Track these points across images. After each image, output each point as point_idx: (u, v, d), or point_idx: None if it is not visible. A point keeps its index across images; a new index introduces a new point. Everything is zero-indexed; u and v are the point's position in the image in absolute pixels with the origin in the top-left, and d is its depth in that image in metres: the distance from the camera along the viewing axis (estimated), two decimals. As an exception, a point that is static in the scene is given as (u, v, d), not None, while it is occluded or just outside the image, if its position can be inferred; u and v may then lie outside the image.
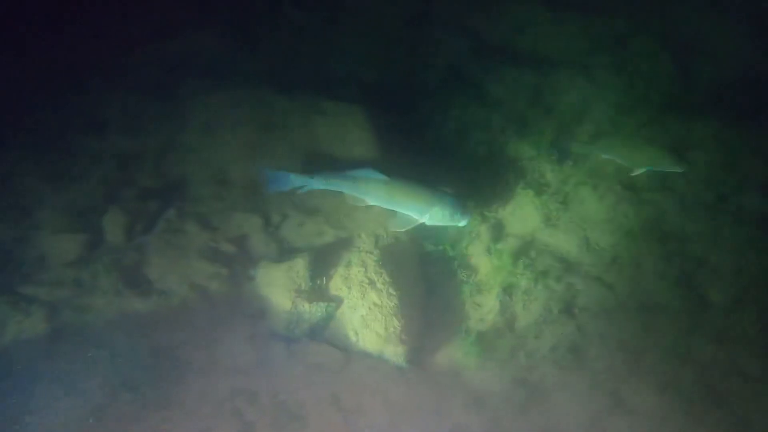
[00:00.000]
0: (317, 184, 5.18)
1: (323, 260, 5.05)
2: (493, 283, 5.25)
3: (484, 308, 5.12)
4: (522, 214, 5.66)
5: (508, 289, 5.19)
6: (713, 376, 4.70)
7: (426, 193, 5.08)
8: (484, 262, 5.38)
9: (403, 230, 5.07)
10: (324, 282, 4.93)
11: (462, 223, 5.10)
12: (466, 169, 5.96)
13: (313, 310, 4.71)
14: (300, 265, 4.84)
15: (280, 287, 4.79)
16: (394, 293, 4.78)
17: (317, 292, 4.85)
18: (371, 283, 4.82)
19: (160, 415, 4.26)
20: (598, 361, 4.77)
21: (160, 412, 4.26)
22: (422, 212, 5.04)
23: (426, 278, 5.32)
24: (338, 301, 4.82)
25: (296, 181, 5.19)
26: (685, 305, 5.03)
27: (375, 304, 4.73)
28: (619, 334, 4.90)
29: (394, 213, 5.16)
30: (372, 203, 5.15)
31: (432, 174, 5.74)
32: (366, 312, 4.72)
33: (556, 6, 7.28)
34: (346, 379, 4.63)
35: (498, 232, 5.60)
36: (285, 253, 5.17)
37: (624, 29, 7.09)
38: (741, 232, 5.39)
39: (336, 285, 4.89)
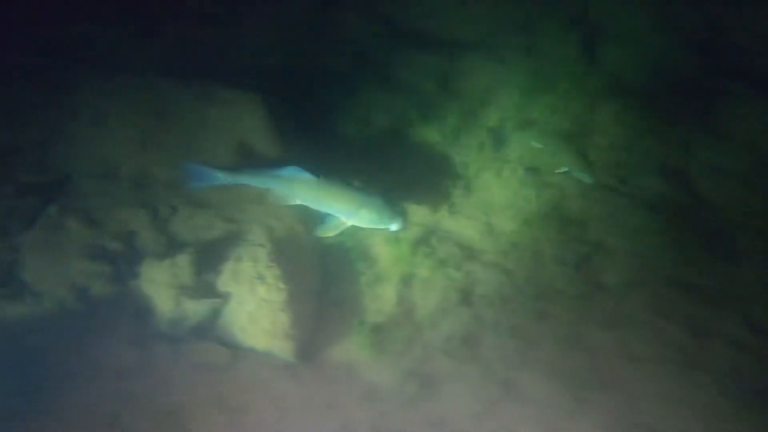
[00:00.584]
0: (242, 180, 5.01)
1: (212, 255, 4.86)
2: (391, 273, 5.14)
3: (381, 299, 5.03)
4: (425, 201, 5.55)
5: (406, 279, 5.08)
6: (603, 360, 4.71)
7: (354, 195, 4.94)
8: (383, 252, 5.26)
9: (330, 234, 4.96)
10: (212, 278, 4.72)
11: (393, 227, 4.89)
12: (369, 156, 5.81)
13: (197, 308, 4.54)
14: (184, 261, 4.65)
15: (163, 285, 4.60)
16: (284, 287, 4.63)
17: (204, 288, 4.67)
18: (260, 277, 4.67)
19: (31, 426, 4.03)
20: (492, 350, 4.73)
21: (29, 422, 4.03)
22: (350, 215, 4.90)
23: (324, 271, 5.16)
24: (226, 298, 4.63)
25: (221, 177, 5.01)
26: (580, 290, 5.03)
27: (263, 299, 4.58)
28: (514, 321, 4.86)
29: (322, 214, 5.05)
30: (299, 202, 5.01)
31: (334, 163, 5.59)
32: (253, 307, 4.55)
33: (466, -11, 7.17)
34: (232, 378, 4.48)
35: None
36: (174, 248, 4.95)
37: (532, 12, 7.02)
38: (637, 215, 5.41)
39: (225, 281, 4.71)
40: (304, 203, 5.07)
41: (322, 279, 5.13)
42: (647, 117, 6.10)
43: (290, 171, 5.01)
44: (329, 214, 5.04)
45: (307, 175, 4.98)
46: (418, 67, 6.73)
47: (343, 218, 4.98)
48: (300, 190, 5.02)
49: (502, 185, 5.71)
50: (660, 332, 4.81)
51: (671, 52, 6.68)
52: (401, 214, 5.08)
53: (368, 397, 4.54)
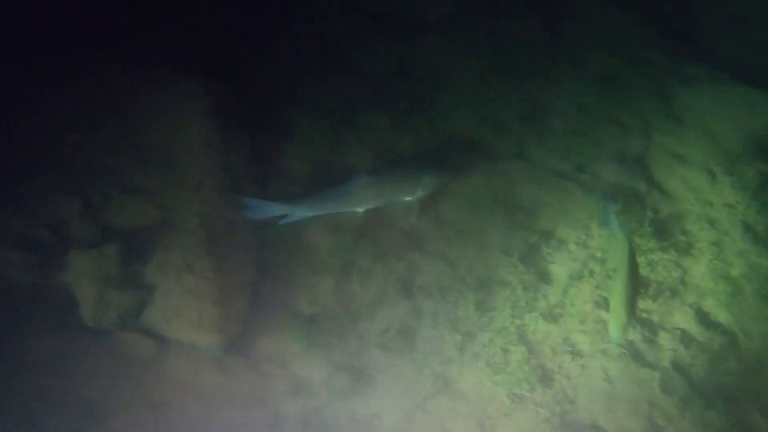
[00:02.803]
0: (302, 212, 4.94)
1: (143, 244, 4.68)
2: (331, 262, 4.96)
3: (318, 289, 4.84)
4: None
5: (345, 268, 4.90)
6: (544, 354, 4.54)
7: (410, 173, 5.02)
8: (323, 240, 5.08)
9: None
10: (140, 268, 4.55)
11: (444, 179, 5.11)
12: (316, 144, 5.62)
13: (122, 299, 4.37)
14: (111, 251, 4.50)
15: (88, 275, 4.46)
16: (213, 278, 4.46)
17: (130, 279, 4.51)
18: (189, 267, 4.50)
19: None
20: (428, 343, 4.56)
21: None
22: (414, 192, 5.01)
23: (260, 261, 4.98)
24: (152, 288, 4.47)
25: (280, 209, 4.93)
26: (525, 281, 4.85)
27: (190, 290, 4.40)
28: (453, 313, 4.68)
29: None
30: (363, 209, 5.01)
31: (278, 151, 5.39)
32: (179, 299, 4.38)
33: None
34: (156, 371, 4.32)
35: (343, 210, 5.32)
36: (105, 237, 4.78)
37: (496, -9, 6.77)
38: (589, 204, 5.20)
39: (152, 271, 4.55)
40: (368, 206, 5.06)
41: (257, 270, 4.93)
42: (606, 101, 5.87)
43: (357, 181, 4.99)
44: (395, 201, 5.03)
45: (363, 177, 4.97)
46: (373, 49, 6.49)
47: (409, 197, 5.04)
48: (362, 196, 5.00)
49: (451, 171, 5.50)
50: (605, 326, 4.62)
51: (634, 32, 6.43)
52: (443, 162, 5.17)
53: (298, 392, 4.41)
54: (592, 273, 4.89)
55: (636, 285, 4.31)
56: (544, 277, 4.88)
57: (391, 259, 5.01)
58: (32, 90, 5.54)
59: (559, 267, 4.91)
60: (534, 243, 5.07)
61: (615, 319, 4.15)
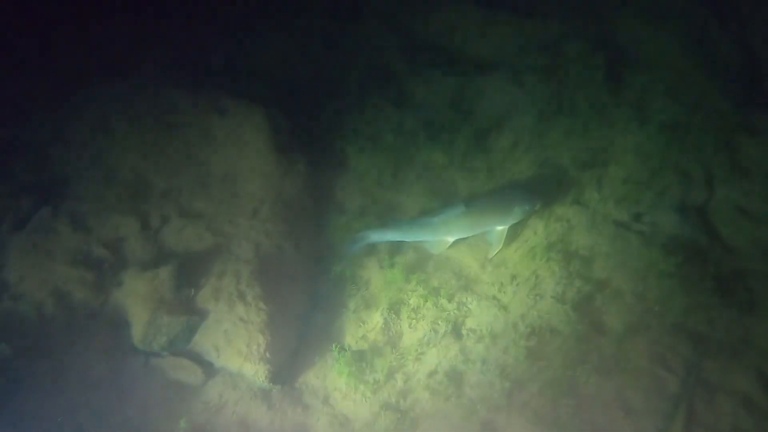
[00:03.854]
0: (394, 236, 5.09)
1: (197, 268, 4.74)
2: (381, 298, 4.93)
3: (367, 325, 4.82)
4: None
5: (395, 306, 4.87)
6: (595, 409, 4.40)
7: (503, 202, 5.07)
8: (376, 276, 5.07)
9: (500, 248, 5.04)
10: (192, 293, 4.60)
11: (538, 206, 5.16)
12: (373, 177, 5.63)
13: (173, 323, 4.40)
14: (166, 274, 4.55)
15: (142, 296, 4.51)
16: (264, 308, 4.47)
17: (182, 303, 4.55)
18: (241, 295, 4.53)
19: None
20: (477, 388, 4.47)
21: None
22: (506, 220, 5.06)
23: (312, 292, 4.99)
24: (204, 314, 4.50)
25: (372, 237, 5.09)
26: (578, 331, 4.72)
27: (240, 319, 4.41)
28: (504, 359, 4.59)
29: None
30: (454, 239, 5.07)
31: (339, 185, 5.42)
32: (230, 326, 4.40)
33: (489, 6, 6.93)
34: (202, 397, 4.32)
35: (399, 245, 5.29)
36: (161, 258, 4.85)
37: (557, 32, 6.74)
38: (647, 255, 5.06)
39: (205, 296, 4.59)
40: (459, 236, 5.11)
41: (308, 301, 4.93)
42: (669, 149, 5.73)
43: (454, 210, 5.05)
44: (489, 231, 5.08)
45: (466, 208, 5.01)
46: (432, 84, 6.51)
47: (500, 227, 5.07)
48: (460, 225, 5.07)
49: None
50: (661, 383, 4.46)
51: (700, 80, 6.29)
52: (536, 193, 5.18)
53: (342, 427, 4.33)
54: (648, 327, 4.72)
55: None
56: (598, 328, 4.73)
57: (442, 299, 4.93)
58: (92, 108, 5.69)
59: (614, 318, 4.76)
60: (588, 292, 4.93)
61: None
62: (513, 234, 5.29)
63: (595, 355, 4.57)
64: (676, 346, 4.66)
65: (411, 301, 4.91)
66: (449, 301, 4.91)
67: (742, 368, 4.59)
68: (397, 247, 5.31)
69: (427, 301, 4.89)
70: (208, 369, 4.43)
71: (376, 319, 4.80)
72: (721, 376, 4.56)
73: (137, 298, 4.50)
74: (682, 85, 6.18)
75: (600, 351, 4.60)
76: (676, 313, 4.78)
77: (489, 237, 5.13)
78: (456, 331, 4.75)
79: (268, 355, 4.39)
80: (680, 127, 5.88)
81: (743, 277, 5.09)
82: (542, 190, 5.36)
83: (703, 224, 5.42)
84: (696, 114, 6.00)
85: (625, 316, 4.76)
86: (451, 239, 5.05)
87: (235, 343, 4.39)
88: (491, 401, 4.42)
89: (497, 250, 5.09)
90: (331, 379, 4.54)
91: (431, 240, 5.01)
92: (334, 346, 4.62)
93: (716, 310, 4.82)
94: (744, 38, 6.72)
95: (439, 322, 4.78)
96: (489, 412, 4.37)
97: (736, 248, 5.27)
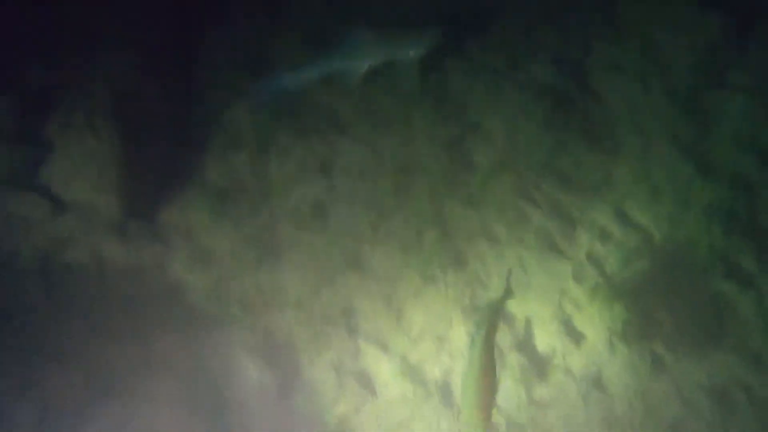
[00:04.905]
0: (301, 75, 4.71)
1: (44, 101, 4.34)
2: (250, 139, 4.74)
3: (234, 163, 4.61)
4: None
5: (263, 144, 4.68)
6: (460, 238, 4.44)
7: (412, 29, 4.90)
8: (244, 118, 4.84)
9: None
10: (38, 124, 4.23)
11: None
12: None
13: (15, 154, 4.05)
14: (4, 103, 4.13)
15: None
16: (119, 142, 4.18)
17: (26, 134, 4.17)
18: (93, 128, 4.21)
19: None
20: (343, 221, 4.40)
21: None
22: (418, 45, 4.89)
23: (177, 134, 4.72)
24: (51, 146, 4.17)
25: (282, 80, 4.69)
26: (447, 168, 4.71)
27: (91, 151, 4.13)
28: (371, 194, 4.53)
29: None
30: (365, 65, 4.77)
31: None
32: (80, 158, 4.12)
33: None
34: (50, 233, 4.05)
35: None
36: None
37: None
38: (520, 99, 5.07)
39: (54, 128, 4.23)
40: (371, 61, 4.79)
41: (171, 142, 4.67)
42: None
43: (357, 35, 4.74)
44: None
45: (370, 32, 4.74)
46: None
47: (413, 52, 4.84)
48: (367, 50, 4.76)
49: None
50: (524, 216, 4.55)
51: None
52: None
53: (202, 261, 4.20)
54: (515, 165, 4.78)
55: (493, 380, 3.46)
56: (467, 166, 4.75)
57: (313, 140, 4.79)
58: None
59: (483, 157, 4.79)
60: (460, 134, 4.93)
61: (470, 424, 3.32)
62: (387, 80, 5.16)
63: (463, 190, 4.59)
64: (541, 184, 4.73)
65: (280, 141, 4.73)
66: (321, 138, 4.77)
67: (601, 205, 4.73)
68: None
69: (298, 138, 4.73)
70: (57, 203, 4.13)
71: (243, 158, 4.61)
72: (581, 211, 4.68)
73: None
74: None
75: (468, 186, 4.62)
76: (542, 154, 4.84)
77: (398, 69, 4.88)
78: (326, 169, 4.63)
79: (121, 187, 4.13)
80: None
81: (611, 125, 5.20)
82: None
83: (578, 77, 5.46)
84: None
85: (493, 155, 4.78)
86: (362, 69, 4.75)
87: (85, 175, 4.12)
88: (357, 233, 4.37)
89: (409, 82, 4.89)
90: (192, 215, 4.35)
91: (341, 69, 4.74)
92: (195, 181, 4.41)
93: (582, 153, 4.92)
94: None
95: (308, 161, 4.64)
96: (354, 242, 4.33)
97: (605, 100, 5.36)
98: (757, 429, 4.11)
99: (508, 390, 4.13)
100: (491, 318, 3.59)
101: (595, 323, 4.33)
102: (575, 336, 4.31)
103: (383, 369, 4.05)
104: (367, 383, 4.07)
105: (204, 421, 3.90)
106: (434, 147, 4.87)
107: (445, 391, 4.05)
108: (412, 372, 4.05)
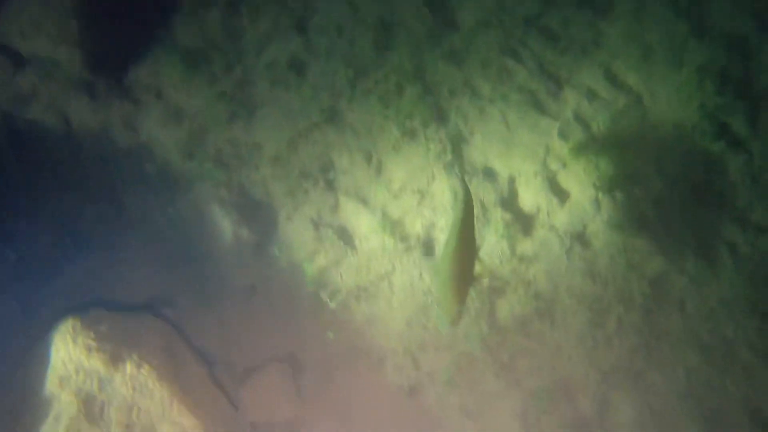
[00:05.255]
0: None
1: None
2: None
3: (206, 23, 4.44)
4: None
5: (234, 2, 4.44)
6: (441, 93, 4.29)
7: None
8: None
9: None
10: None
11: None
12: None
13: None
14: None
15: None
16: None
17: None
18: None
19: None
20: (320, 77, 4.27)
21: None
22: None
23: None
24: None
25: None
26: (429, 28, 4.48)
27: (48, 3, 3.86)
28: (350, 50, 4.35)
29: None
30: None
31: None
32: (38, 10, 3.88)
33: None
34: (12, 90, 3.86)
35: None
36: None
37: None
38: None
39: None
40: None
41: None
42: None
43: None
44: None
45: None
46: None
47: None
48: None
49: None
50: (508, 73, 4.36)
51: None
52: None
53: (174, 118, 4.04)
54: (501, 22, 4.55)
55: (470, 262, 3.20)
56: (450, 24, 4.52)
57: (290, -1, 4.54)
58: None
59: (467, 14, 4.55)
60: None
61: (443, 307, 3.07)
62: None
63: (445, 46, 4.38)
64: (528, 41, 4.52)
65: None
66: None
67: (590, 65, 4.54)
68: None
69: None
70: (16, 58, 3.90)
71: (214, 15, 4.36)
72: (569, 70, 4.50)
73: None
74: None
75: (450, 42, 4.41)
76: (528, 11, 4.61)
77: None
78: (300, 26, 4.40)
79: (83, 39, 3.89)
80: None
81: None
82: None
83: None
84: None
85: (477, 13, 4.55)
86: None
87: (44, 27, 3.87)
88: (335, 89, 4.19)
89: None
90: (163, 74, 4.15)
91: None
92: (165, 40, 4.18)
93: (571, 11, 4.69)
94: None
95: (282, 18, 4.39)
96: (332, 98, 4.15)
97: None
98: (740, 284, 4.07)
99: (492, 245, 4.04)
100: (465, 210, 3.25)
101: (580, 180, 4.21)
102: (560, 193, 4.20)
103: (363, 223, 3.96)
104: (346, 237, 3.98)
105: (179, 274, 3.82)
106: (415, 2, 4.62)
107: (427, 244, 3.97)
108: (392, 226, 3.95)
